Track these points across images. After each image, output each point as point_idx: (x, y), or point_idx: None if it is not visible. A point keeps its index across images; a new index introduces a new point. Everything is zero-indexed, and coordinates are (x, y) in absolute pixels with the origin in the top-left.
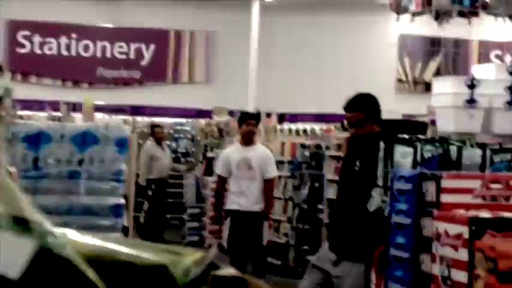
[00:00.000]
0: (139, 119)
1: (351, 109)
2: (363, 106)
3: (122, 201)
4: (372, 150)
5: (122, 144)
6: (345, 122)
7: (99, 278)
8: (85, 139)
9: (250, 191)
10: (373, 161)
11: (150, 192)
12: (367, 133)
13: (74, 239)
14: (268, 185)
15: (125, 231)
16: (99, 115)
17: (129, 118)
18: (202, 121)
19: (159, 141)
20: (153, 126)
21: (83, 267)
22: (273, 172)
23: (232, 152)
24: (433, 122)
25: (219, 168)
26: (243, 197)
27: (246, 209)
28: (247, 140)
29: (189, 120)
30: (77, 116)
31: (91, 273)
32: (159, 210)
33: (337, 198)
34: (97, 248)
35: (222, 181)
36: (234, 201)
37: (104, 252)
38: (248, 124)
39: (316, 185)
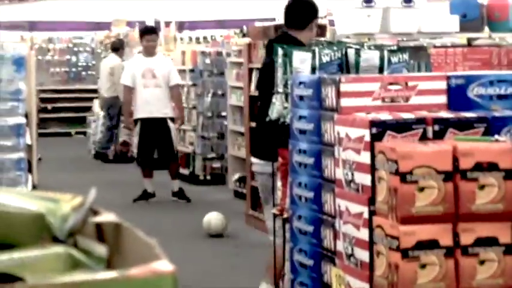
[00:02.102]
0: (37, 34)
1: None
2: None
3: (23, 120)
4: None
5: (18, 63)
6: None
7: None
8: None
9: (157, 97)
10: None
11: None
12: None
13: None
14: (175, 91)
15: (29, 149)
16: None
17: (27, 34)
18: (101, 33)
19: (150, 52)
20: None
21: None
22: (177, 79)
23: (135, 62)
24: (332, 23)
25: (125, 79)
26: (150, 105)
27: (155, 116)
28: (149, 53)
29: (88, 33)
30: None
31: None
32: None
33: None
34: None
35: (129, 90)
36: (143, 110)
37: None
38: (148, 40)
39: (219, 92)
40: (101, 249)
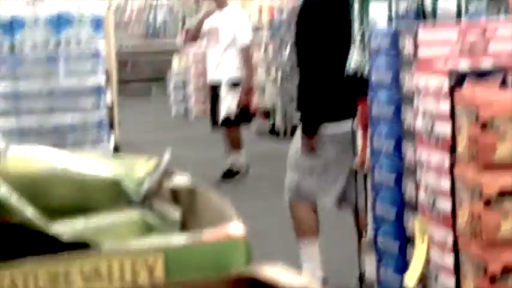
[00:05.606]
0: None
1: None
2: None
3: (103, 80)
4: None
5: (97, 23)
6: None
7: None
8: (59, 21)
9: (221, 59)
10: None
11: None
12: None
13: (22, 159)
14: (243, 52)
15: (110, 107)
16: None
17: None
18: None
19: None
20: None
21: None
22: (246, 38)
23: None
24: None
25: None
26: (217, 67)
27: (218, 78)
28: (219, 3)
29: None
30: None
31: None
32: None
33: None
34: (47, 166)
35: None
36: (210, 72)
37: (54, 170)
38: None
39: None
40: (174, 213)
